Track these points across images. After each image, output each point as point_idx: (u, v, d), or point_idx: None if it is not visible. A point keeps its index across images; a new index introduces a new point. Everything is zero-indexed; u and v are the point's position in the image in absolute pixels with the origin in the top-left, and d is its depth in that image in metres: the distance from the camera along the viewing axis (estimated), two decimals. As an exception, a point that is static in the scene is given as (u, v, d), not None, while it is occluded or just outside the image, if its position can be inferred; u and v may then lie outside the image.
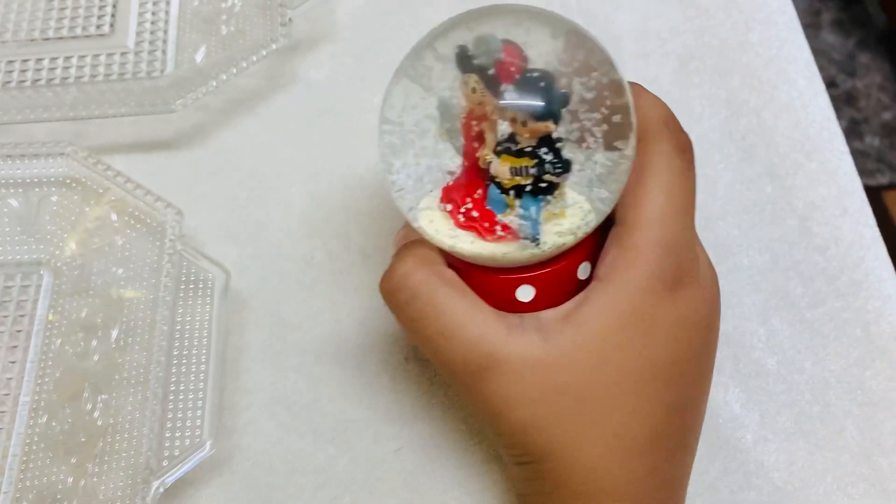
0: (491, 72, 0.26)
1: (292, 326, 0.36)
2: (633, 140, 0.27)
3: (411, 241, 0.29)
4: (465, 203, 0.28)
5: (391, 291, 0.28)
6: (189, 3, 0.43)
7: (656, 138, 0.27)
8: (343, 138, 0.41)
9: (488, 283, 0.28)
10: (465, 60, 0.27)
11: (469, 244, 0.28)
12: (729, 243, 0.38)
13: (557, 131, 0.26)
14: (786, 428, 0.34)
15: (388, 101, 0.29)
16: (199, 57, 0.41)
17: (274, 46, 0.40)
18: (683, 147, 0.28)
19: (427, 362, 0.35)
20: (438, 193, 0.29)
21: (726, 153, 0.41)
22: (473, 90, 0.27)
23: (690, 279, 0.27)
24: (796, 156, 0.41)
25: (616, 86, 0.27)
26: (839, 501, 0.33)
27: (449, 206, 0.28)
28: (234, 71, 0.39)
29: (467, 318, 0.27)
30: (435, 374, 0.35)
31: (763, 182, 0.40)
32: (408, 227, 0.30)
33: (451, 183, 0.28)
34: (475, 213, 0.28)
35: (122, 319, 0.34)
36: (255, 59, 0.39)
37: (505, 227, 0.27)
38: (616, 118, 0.27)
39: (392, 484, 0.33)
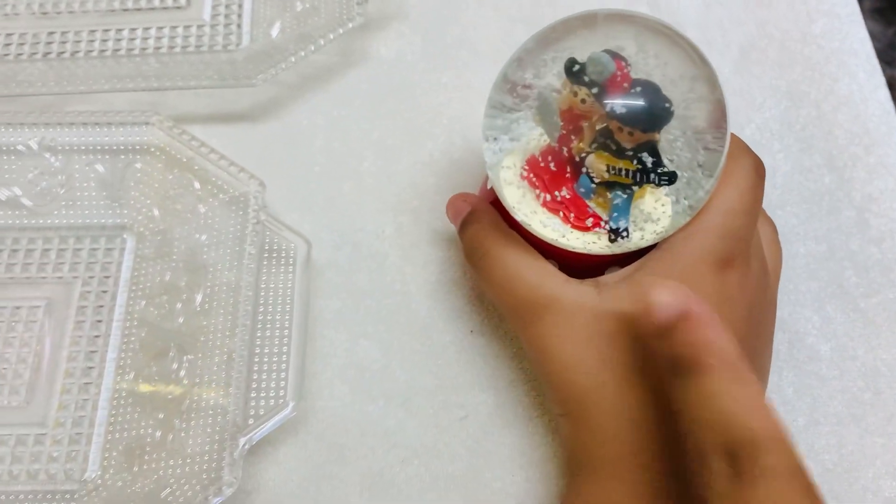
0: (601, 87, 0.28)
1: (364, 296, 0.38)
2: (724, 153, 0.29)
3: (476, 209, 0.33)
4: (552, 185, 0.30)
5: (468, 251, 0.33)
6: (263, -21, 0.44)
7: (740, 156, 0.30)
8: (411, 116, 0.42)
9: (581, 261, 0.31)
10: (576, 74, 0.28)
11: (561, 236, 0.30)
12: (787, 232, 0.39)
13: (658, 140, 0.28)
14: (837, 412, 0.36)
15: (500, 81, 0.31)
16: (273, 32, 0.42)
17: (350, 25, 0.41)
18: (759, 169, 0.31)
19: (491, 335, 0.37)
20: (519, 164, 0.30)
21: (786, 143, 0.42)
22: (583, 101, 0.28)
23: (740, 265, 0.30)
24: (855, 149, 0.41)
25: (717, 102, 0.29)
26: (887, 486, 0.34)
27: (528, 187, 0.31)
28: (312, 48, 0.40)
29: (531, 268, 0.31)
30: (499, 347, 0.37)
31: (822, 173, 0.41)
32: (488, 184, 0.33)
33: (533, 160, 0.30)
34: (567, 196, 0.29)
35: (206, 284, 0.35)
36: (331, 36, 0.40)
37: (596, 217, 0.29)
38: (712, 132, 0.28)
39: (458, 449, 0.35)
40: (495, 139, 0.31)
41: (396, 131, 0.42)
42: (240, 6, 0.44)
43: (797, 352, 0.37)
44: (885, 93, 0.43)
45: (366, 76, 0.43)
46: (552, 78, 0.30)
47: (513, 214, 0.30)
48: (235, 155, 0.39)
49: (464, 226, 0.34)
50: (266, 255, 0.36)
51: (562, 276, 0.30)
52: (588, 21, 0.30)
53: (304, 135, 0.42)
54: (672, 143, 0.29)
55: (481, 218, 0.33)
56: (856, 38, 0.45)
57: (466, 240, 0.33)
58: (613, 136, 0.28)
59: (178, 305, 0.35)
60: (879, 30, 1.49)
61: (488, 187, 0.34)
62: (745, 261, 0.30)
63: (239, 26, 0.43)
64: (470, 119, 0.42)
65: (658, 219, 0.30)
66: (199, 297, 0.35)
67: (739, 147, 0.31)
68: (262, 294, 0.35)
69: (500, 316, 0.37)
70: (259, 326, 0.34)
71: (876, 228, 0.39)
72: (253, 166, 0.38)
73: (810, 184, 0.41)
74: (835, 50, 0.44)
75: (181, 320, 0.35)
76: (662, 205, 0.30)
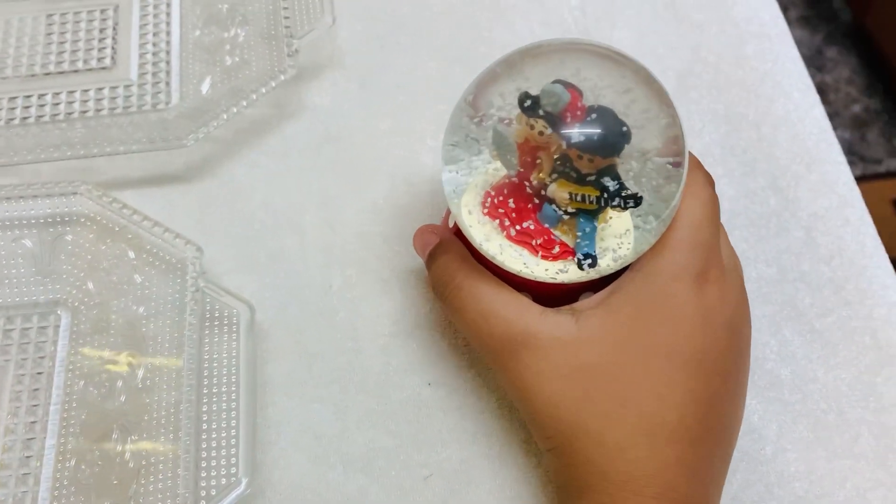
0: (557, 118, 0.28)
1: (315, 356, 0.36)
2: (685, 170, 0.29)
3: (445, 241, 0.33)
4: (515, 218, 0.30)
5: (437, 284, 0.32)
6: (190, 34, 0.43)
7: (693, 169, 0.31)
8: (353, 164, 0.41)
9: (552, 290, 0.30)
10: (531, 108, 0.28)
11: (530, 268, 0.30)
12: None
13: (618, 163, 0.28)
14: (803, 437, 0.35)
15: (453, 121, 0.31)
16: (204, 88, 0.41)
17: (282, 77, 0.40)
18: (710, 180, 0.31)
19: (451, 387, 0.36)
20: (479, 199, 0.30)
21: (729, 168, 0.42)
22: (540, 133, 0.28)
23: (716, 277, 0.30)
24: (797, 168, 0.42)
25: (671, 123, 0.29)
26: (859, 507, 0.34)
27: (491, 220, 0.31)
28: (245, 104, 0.39)
29: (505, 302, 0.30)
30: (460, 399, 0.35)
31: (767, 195, 0.41)
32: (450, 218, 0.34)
33: (494, 193, 0.30)
34: (532, 228, 0.29)
35: (146, 359, 0.34)
36: (263, 90, 0.39)
37: (563, 246, 0.29)
38: (669, 151, 0.28)
39: (423, 510, 0.33)
40: (455, 172, 0.31)
41: (338, 181, 0.41)
42: (168, 63, 0.43)
43: (758, 378, 0.36)
44: (820, 110, 0.43)
45: (303, 128, 0.42)
46: (506, 111, 0.29)
47: (479, 249, 0.30)
48: (172, 218, 0.37)
49: (432, 258, 0.33)
50: (208, 322, 0.34)
51: (537, 309, 0.30)
52: (536, 52, 0.30)
53: (243, 192, 0.40)
54: (629, 168, 0.29)
55: (450, 249, 0.32)
56: (787, 57, 0.45)
57: (436, 272, 0.32)
58: (572, 163, 0.28)
59: (119, 383, 0.34)
60: (807, 37, 1.53)
61: (451, 224, 0.34)
62: (721, 272, 0.30)
63: (168, 84, 0.42)
64: (413, 164, 0.41)
65: (623, 243, 0.30)
66: (140, 373, 0.34)
67: (691, 161, 0.31)
68: (206, 365, 0.33)
69: (459, 366, 0.36)
70: (205, 400, 0.33)
71: (824, 247, 0.39)
72: (191, 229, 0.37)
73: (756, 206, 0.41)
74: (768, 71, 0.45)
75: (123, 399, 0.33)
76: (626, 229, 0.30)
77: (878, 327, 0.37)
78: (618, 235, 0.30)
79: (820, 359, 0.37)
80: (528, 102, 0.28)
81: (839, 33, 1.52)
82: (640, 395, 0.28)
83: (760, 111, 0.43)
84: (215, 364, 0.33)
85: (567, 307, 0.30)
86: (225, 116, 0.39)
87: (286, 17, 0.41)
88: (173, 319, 0.34)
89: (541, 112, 0.28)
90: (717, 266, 0.30)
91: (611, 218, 0.30)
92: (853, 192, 0.41)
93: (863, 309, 0.38)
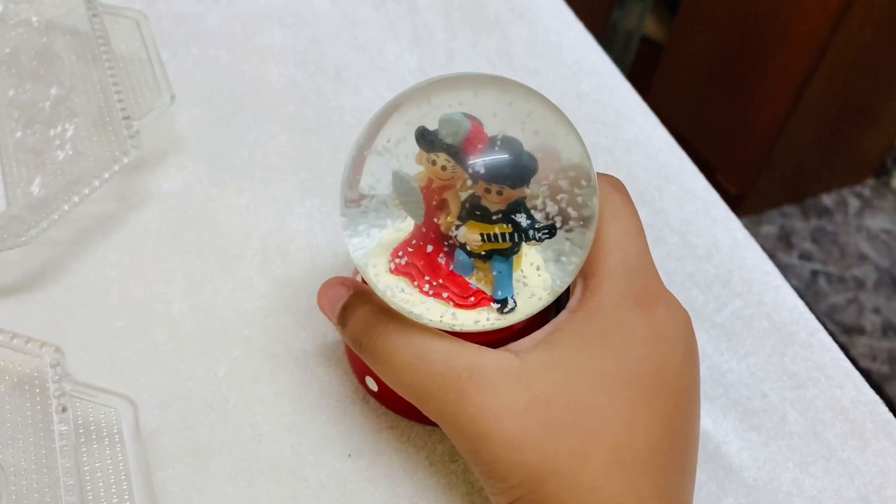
0: (459, 149, 0.26)
1: (212, 453, 0.32)
2: (596, 200, 0.27)
3: (361, 292, 0.29)
4: (428, 272, 0.27)
5: (358, 338, 0.28)
6: (9, 137, 0.39)
7: (609, 193, 0.29)
8: (217, 245, 0.38)
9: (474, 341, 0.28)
10: (432, 142, 0.26)
11: (450, 321, 0.27)
12: (628, 269, 0.39)
13: (527, 196, 0.26)
14: (737, 427, 0.35)
15: (350, 171, 0.28)
16: (35, 189, 0.37)
17: (125, 160, 0.36)
18: (617, 185, 0.30)
19: (374, 454, 0.32)
20: (387, 257, 0.28)
21: (597, 190, 0.42)
22: (444, 168, 0.26)
23: (663, 297, 0.28)
24: (657, 181, 0.43)
25: (576, 150, 0.27)
26: (806, 483, 0.33)
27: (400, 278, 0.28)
28: (77, 199, 0.35)
29: (440, 339, 0.27)
30: (387, 466, 0.32)
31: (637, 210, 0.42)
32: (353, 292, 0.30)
33: (408, 246, 0.28)
34: (445, 279, 0.27)
35: (9, 490, 0.28)
36: (107, 175, 0.36)
37: (479, 293, 0.27)
38: (579, 188, 0.27)
39: None
40: (359, 235, 0.28)
41: (204, 264, 0.37)
42: (-13, 172, 0.38)
43: (678, 381, 0.36)
44: (662, 130, 0.46)
45: (152, 216, 0.39)
46: (403, 156, 0.27)
47: (396, 308, 0.27)
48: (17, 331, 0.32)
49: (347, 312, 0.29)
50: (82, 431, 0.29)
51: (474, 346, 0.27)
52: (422, 92, 0.27)
53: (95, 292, 0.36)
54: (537, 202, 0.27)
55: (369, 299, 0.29)
56: (621, 89, 0.47)
57: (354, 326, 0.29)
58: (481, 201, 0.26)
59: (-25, 529, 0.27)
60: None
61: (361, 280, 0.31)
62: (663, 289, 0.28)
63: (-11, 194, 0.37)
64: (282, 234, 0.39)
65: (539, 282, 0.28)
66: (1, 510, 0.27)
67: (609, 183, 0.29)
68: (89, 481, 0.28)
69: (378, 429, 0.33)
70: (93, 520, 0.27)
71: (702, 247, 0.40)
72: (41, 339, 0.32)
73: (631, 221, 0.41)
74: (607, 102, 0.47)
75: (-18, 546, 0.27)
76: (537, 266, 0.28)
77: (770, 311, 0.38)
78: (532, 275, 0.28)
79: (729, 350, 0.37)
80: (426, 136, 0.26)
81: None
82: (609, 424, 0.26)
83: (610, 137, 0.45)
84: (100, 479, 0.28)
85: (502, 348, 0.28)
86: (56, 216, 0.35)
87: (120, 101, 0.38)
88: (37, 437, 0.29)
89: (441, 144, 0.26)
90: (658, 285, 0.28)
91: (522, 260, 0.28)
92: (713, 195, 0.43)
93: (752, 296, 0.39)
